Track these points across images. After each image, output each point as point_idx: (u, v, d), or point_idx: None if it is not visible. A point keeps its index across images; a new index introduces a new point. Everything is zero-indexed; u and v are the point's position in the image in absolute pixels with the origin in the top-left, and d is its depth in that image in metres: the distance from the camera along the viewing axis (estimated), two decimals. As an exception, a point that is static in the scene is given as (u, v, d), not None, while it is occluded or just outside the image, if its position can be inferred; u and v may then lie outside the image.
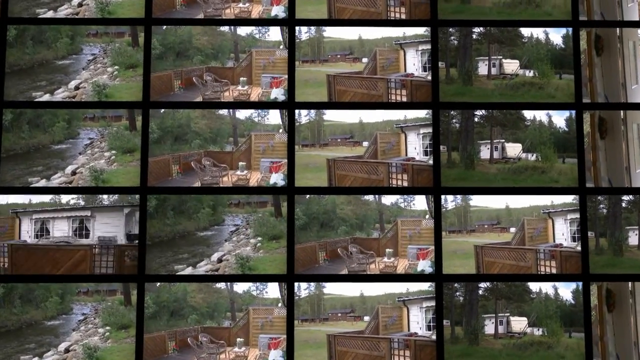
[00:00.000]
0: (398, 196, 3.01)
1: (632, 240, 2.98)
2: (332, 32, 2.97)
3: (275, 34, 3.05)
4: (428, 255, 2.95)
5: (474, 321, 2.63)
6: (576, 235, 2.77)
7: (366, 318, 2.86)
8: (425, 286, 2.87)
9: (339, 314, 2.86)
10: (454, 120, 2.99)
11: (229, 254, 2.96)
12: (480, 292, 2.83)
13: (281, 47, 3.01)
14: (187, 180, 3.02)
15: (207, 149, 3.02)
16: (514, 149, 2.99)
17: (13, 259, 2.93)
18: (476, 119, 2.99)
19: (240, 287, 2.94)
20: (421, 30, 2.96)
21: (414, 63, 2.91)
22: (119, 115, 3.07)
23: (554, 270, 2.72)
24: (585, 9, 2.94)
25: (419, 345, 2.81)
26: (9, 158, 2.97)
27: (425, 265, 2.94)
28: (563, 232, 2.87)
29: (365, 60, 2.92)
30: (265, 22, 3.05)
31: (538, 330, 2.58)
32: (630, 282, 2.77)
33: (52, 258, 3.03)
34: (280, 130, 3.02)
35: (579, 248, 2.76)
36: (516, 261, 2.78)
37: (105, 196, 3.02)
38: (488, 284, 2.81)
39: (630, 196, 3.00)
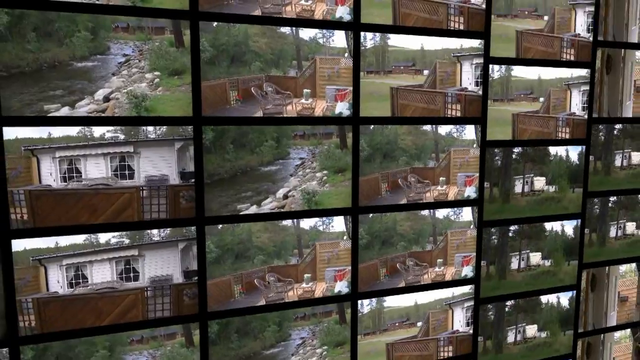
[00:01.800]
0: (452, 126, 3.18)
1: (617, 161, 3.72)
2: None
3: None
4: (474, 181, 3.29)
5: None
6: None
7: (419, 324, 3.18)
8: (467, 289, 3.27)
9: (397, 324, 3.10)
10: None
11: (294, 189, 2.78)
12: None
13: (346, 54, 2.78)
14: (247, 109, 2.71)
15: (269, 73, 2.72)
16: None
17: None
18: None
19: (306, 223, 2.82)
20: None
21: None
22: (160, 27, 2.40)
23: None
24: (602, 29, 3.32)
25: (459, 340, 3.32)
26: (14, 77, 2.12)
27: (470, 192, 3.27)
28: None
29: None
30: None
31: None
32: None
33: (88, 204, 2.51)
34: (346, 55, 2.81)
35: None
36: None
37: (150, 128, 2.51)
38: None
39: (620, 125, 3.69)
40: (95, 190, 2.41)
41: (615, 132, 3.58)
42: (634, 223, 3.83)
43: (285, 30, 2.66)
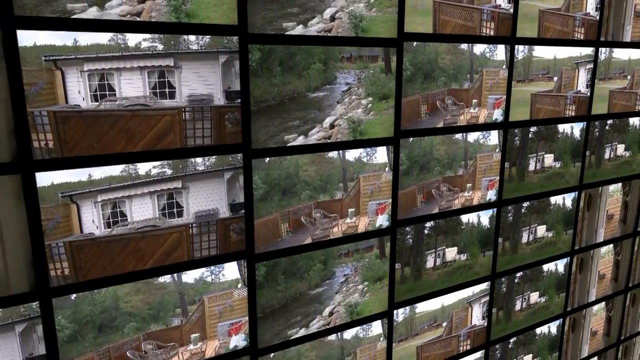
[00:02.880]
0: (485, 46, 3.13)
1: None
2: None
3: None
4: (501, 104, 3.30)
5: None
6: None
7: (444, 324, 3.29)
8: (484, 286, 3.42)
9: (426, 327, 3.19)
10: None
11: (340, 117, 2.53)
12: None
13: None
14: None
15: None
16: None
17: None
18: None
19: (351, 155, 2.63)
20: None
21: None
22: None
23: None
24: (604, 30, 3.55)
25: (476, 332, 3.47)
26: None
27: (498, 114, 3.27)
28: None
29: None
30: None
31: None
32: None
33: (124, 128, 2.09)
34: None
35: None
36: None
37: (192, 38, 2.17)
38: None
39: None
40: (132, 112, 2.07)
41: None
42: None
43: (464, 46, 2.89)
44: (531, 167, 3.45)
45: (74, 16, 1.88)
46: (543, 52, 3.27)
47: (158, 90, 2.09)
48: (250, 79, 2.25)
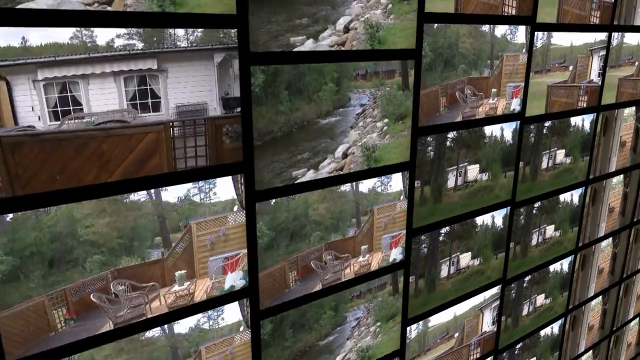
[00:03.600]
0: (506, 27, 2.79)
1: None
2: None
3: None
4: (520, 92, 3.00)
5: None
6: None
7: (456, 335, 3.02)
8: (495, 290, 3.18)
9: (438, 340, 2.91)
10: None
11: (354, 145, 2.17)
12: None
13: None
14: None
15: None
16: None
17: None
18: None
19: (365, 186, 2.29)
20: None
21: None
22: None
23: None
24: (617, 13, 3.29)
25: (486, 339, 3.24)
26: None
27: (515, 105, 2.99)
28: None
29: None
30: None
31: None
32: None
33: (97, 153, 1.59)
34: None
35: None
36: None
37: (180, 32, 1.71)
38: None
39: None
40: (105, 132, 1.59)
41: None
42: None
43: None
44: (544, 165, 3.21)
45: (20, 6, 1.38)
46: (560, 39, 2.99)
47: (138, 102, 1.63)
48: (253, 106, 1.83)
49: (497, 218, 3.01)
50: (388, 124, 2.29)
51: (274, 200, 1.99)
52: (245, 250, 1.92)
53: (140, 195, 1.63)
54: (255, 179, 1.92)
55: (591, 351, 4.36)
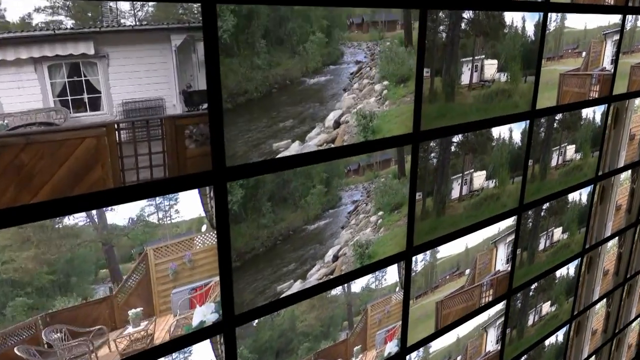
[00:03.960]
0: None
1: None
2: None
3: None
4: None
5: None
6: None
7: (467, 271, 2.60)
8: (510, 221, 2.75)
9: (447, 276, 2.50)
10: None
11: (346, 245, 1.89)
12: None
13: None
14: None
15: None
16: None
17: None
18: None
19: (358, 285, 2.02)
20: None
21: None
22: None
23: None
24: None
25: (499, 280, 2.82)
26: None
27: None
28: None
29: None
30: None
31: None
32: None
33: (14, 166, 1.20)
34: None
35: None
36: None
37: (125, 6, 1.32)
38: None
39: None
40: (26, 139, 1.22)
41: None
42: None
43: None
44: (553, 162, 2.91)
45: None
46: (574, 22, 2.68)
47: (70, 98, 1.26)
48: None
49: (507, 221, 2.71)
50: (383, 217, 2.03)
51: (255, 322, 1.68)
52: (218, 278, 1.61)
53: (77, 219, 1.30)
54: (234, 301, 1.59)
55: (594, 356, 4.14)
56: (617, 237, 3.81)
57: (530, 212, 2.87)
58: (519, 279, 2.96)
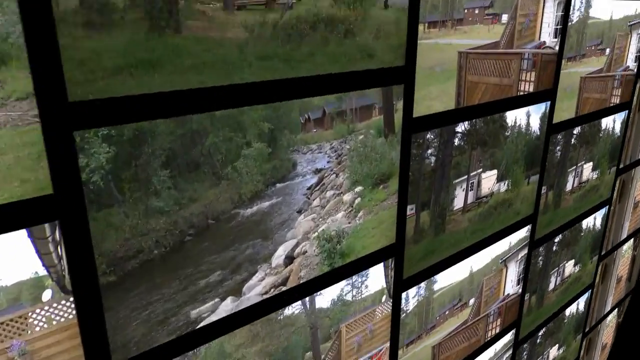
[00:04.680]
0: None
1: None
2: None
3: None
4: None
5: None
6: None
7: (471, 301, 1.98)
8: (524, 231, 2.12)
9: (447, 312, 1.88)
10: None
11: (305, 238, 1.25)
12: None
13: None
14: None
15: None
16: None
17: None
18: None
19: (326, 298, 1.36)
20: None
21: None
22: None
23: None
24: None
25: (508, 306, 2.21)
26: None
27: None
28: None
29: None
30: None
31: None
32: None
33: None
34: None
35: None
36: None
37: None
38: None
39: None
40: None
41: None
42: None
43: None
44: (569, 187, 2.37)
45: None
46: (599, 11, 2.08)
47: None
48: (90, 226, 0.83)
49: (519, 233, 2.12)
50: (362, 194, 1.38)
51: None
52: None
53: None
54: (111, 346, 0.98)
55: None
56: (632, 239, 3.30)
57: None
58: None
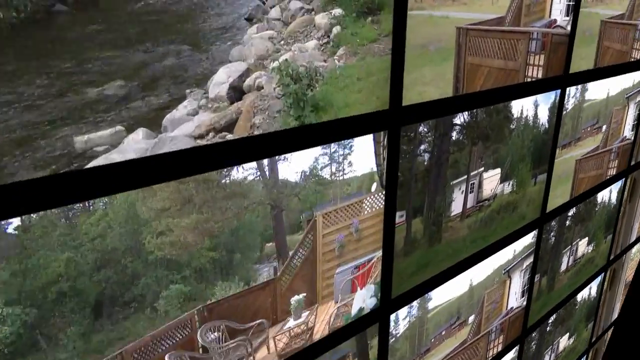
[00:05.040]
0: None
1: None
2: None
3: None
4: None
5: None
6: None
7: (471, 318, 1.72)
8: (529, 238, 1.88)
9: (443, 332, 1.61)
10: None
11: (259, 64, 0.86)
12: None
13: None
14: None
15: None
16: None
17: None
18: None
19: (293, 167, 0.99)
20: None
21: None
22: None
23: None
24: None
25: (511, 320, 1.97)
26: None
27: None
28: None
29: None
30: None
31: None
32: None
33: None
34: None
35: None
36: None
37: None
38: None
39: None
40: None
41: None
42: None
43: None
44: (563, 267, 2.26)
45: None
46: (596, 92, 1.94)
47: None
48: None
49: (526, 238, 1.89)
50: (343, 20, 1.00)
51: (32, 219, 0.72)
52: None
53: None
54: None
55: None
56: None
57: (553, 223, 2.06)
58: (535, 314, 2.16)
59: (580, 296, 2.53)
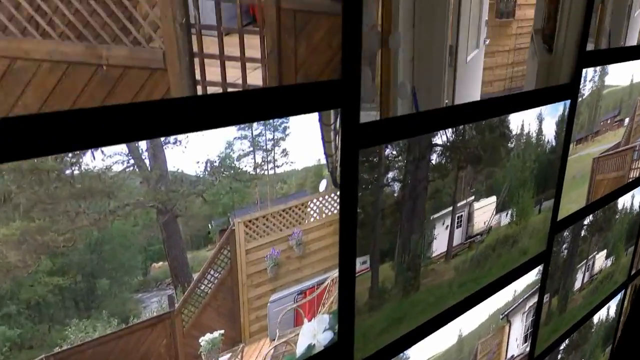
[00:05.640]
0: None
1: None
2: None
3: None
4: None
5: None
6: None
7: None
8: (533, 275, 1.58)
9: None
10: None
11: None
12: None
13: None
14: None
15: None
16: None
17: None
18: None
19: (192, 150, 0.69)
20: None
21: None
22: None
23: None
24: None
25: None
26: None
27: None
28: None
29: (627, 121, 1.97)
30: None
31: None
32: None
33: None
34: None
35: None
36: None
37: None
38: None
39: None
40: None
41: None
42: None
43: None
44: (577, 284, 2.00)
45: None
46: (616, 77, 1.67)
47: None
48: None
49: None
50: None
51: None
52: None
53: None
54: None
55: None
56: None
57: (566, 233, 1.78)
58: (543, 341, 1.88)
59: (597, 317, 2.23)
